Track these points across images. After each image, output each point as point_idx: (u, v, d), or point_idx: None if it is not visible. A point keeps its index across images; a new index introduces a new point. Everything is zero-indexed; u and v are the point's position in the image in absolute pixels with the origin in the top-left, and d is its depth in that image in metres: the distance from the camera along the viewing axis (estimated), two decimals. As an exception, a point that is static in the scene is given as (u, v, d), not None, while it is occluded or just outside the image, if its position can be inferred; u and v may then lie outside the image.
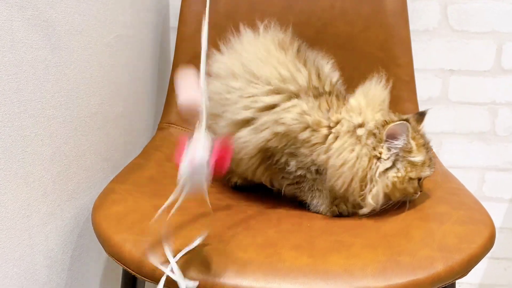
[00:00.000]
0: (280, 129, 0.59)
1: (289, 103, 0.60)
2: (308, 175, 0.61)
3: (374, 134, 0.58)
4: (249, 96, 0.61)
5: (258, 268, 0.49)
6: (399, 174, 0.57)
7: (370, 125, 0.58)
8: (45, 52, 0.58)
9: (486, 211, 0.62)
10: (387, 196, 0.58)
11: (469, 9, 1.04)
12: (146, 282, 0.54)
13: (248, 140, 0.61)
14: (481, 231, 0.57)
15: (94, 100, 0.71)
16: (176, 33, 0.95)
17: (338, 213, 0.61)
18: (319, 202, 0.62)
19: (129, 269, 0.52)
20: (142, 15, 0.89)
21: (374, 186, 0.57)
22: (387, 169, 0.57)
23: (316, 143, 0.59)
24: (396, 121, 0.58)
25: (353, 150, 0.57)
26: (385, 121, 0.59)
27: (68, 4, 0.62)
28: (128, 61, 0.83)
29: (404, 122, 0.57)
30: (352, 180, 0.57)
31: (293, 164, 0.61)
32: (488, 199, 1.16)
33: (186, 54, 0.95)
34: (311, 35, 0.95)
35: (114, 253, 0.53)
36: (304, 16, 0.95)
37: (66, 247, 0.66)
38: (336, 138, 0.58)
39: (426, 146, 0.61)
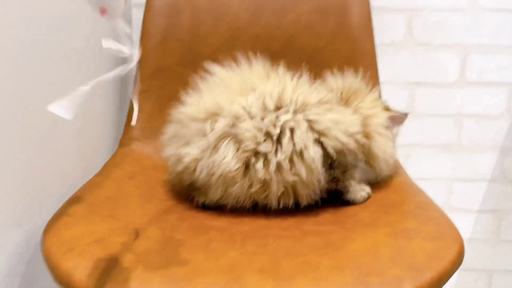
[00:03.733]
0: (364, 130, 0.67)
1: (347, 111, 0.67)
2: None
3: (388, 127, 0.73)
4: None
5: (219, 294, 0.46)
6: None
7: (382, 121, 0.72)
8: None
9: (454, 225, 0.61)
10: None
11: (433, 22, 1.06)
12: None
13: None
14: (451, 247, 0.55)
15: (49, 115, 0.67)
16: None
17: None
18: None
19: (80, 300, 0.48)
20: (102, 27, 0.86)
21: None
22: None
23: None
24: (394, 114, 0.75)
25: (388, 144, 0.72)
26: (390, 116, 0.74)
27: (15, 17, 0.58)
28: (87, 75, 0.79)
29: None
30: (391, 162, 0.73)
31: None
32: (456, 210, 1.17)
33: (149, 67, 0.92)
34: (277, 48, 0.93)
35: (63, 282, 0.49)
36: (269, 29, 0.93)
37: (13, 278, 0.61)
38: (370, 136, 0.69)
39: None
